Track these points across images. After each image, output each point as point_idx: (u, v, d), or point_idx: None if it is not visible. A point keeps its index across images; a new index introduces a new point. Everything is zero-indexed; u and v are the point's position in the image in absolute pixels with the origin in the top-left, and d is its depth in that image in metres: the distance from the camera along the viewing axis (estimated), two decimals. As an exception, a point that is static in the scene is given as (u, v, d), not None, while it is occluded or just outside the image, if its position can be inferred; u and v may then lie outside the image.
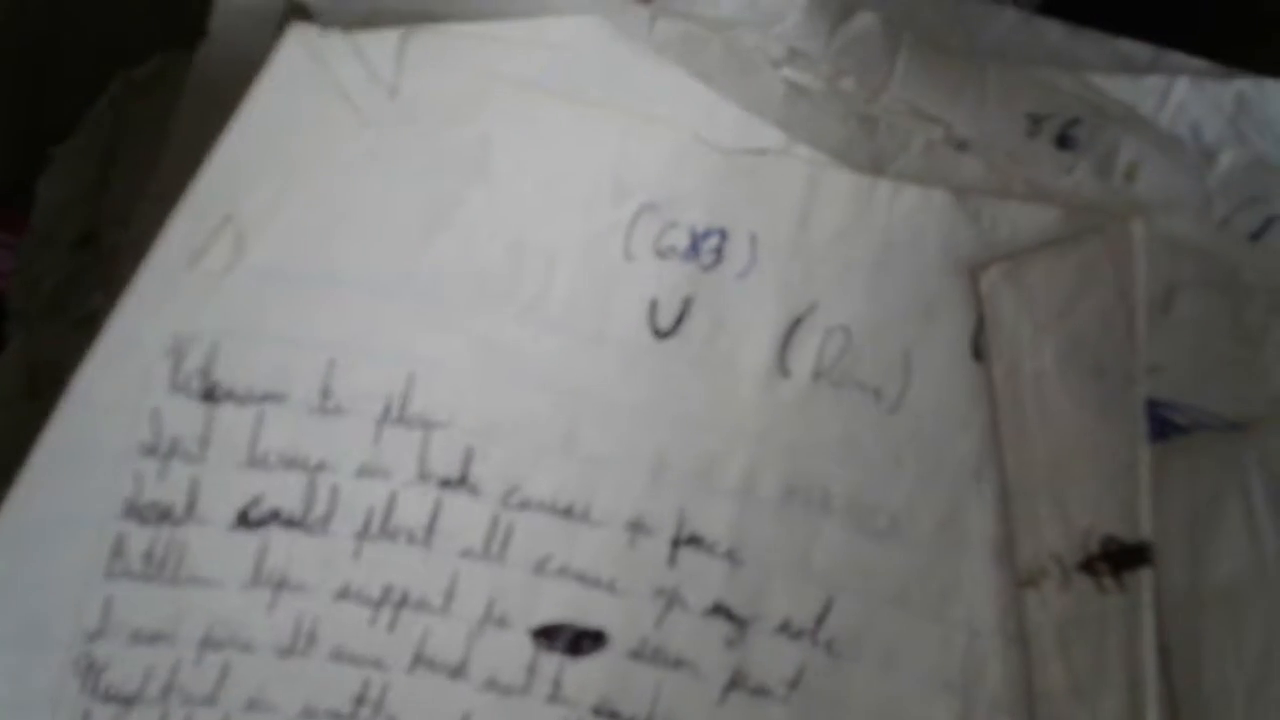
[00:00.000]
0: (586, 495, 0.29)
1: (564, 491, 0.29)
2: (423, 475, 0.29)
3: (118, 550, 0.27)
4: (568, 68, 0.28)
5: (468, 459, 0.29)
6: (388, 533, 0.29)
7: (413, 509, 0.29)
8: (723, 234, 0.29)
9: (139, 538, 0.27)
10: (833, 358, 0.29)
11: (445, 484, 0.29)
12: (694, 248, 0.29)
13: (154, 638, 0.28)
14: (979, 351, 0.28)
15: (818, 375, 0.29)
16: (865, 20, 0.28)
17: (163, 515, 0.27)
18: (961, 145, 0.28)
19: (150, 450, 0.27)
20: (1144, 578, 0.26)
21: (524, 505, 0.29)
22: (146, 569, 0.28)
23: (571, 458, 0.29)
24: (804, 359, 0.29)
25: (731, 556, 0.29)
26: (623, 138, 0.29)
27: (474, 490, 0.29)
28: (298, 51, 0.26)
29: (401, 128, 0.27)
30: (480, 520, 0.29)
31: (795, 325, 0.29)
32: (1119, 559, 0.26)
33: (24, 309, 0.31)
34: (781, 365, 0.29)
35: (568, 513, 0.29)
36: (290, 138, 0.26)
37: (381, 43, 0.26)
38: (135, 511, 0.27)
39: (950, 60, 0.28)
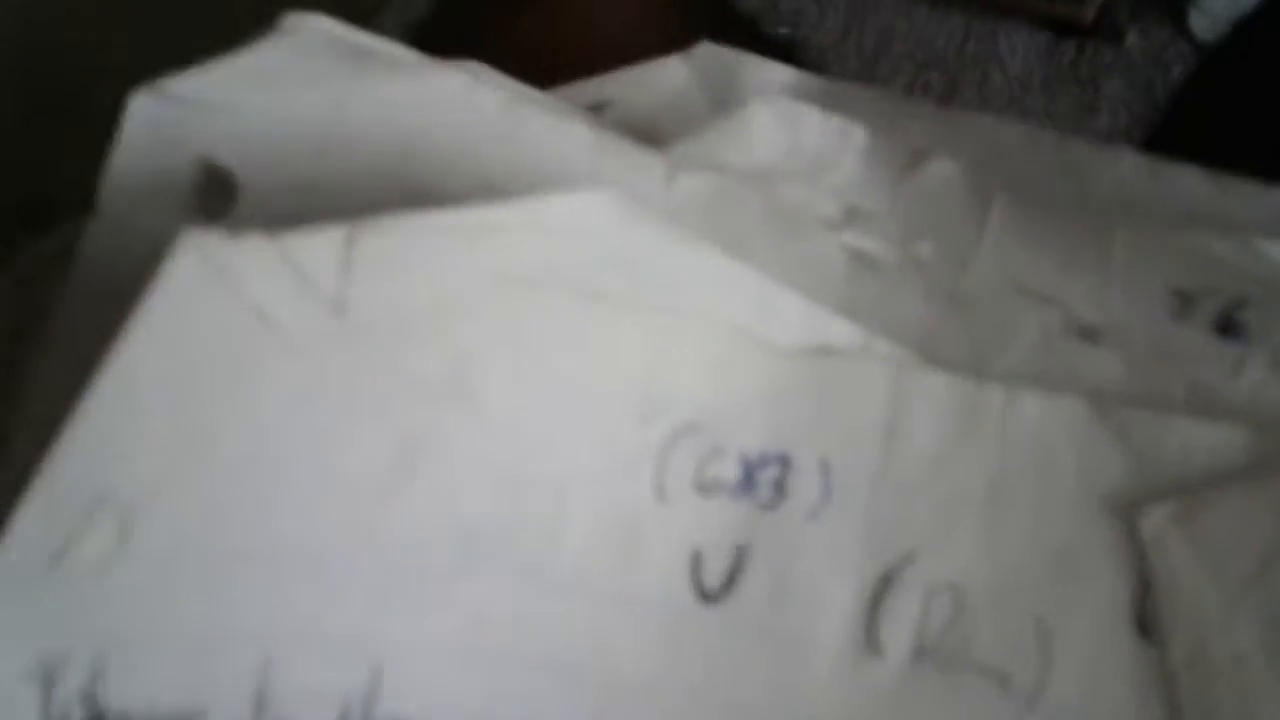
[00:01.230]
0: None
1: (582, 812, 0.22)
2: (400, 795, 0.22)
3: None
4: (572, 259, 0.22)
5: (456, 765, 0.22)
6: None
7: None
8: (784, 461, 0.22)
9: None
10: (940, 629, 0.21)
11: (429, 802, 0.22)
12: (748, 480, 0.22)
13: None
14: (1145, 625, 0.20)
15: (920, 654, 0.21)
16: (941, 168, 0.21)
17: None
18: (1088, 333, 0.20)
19: None
20: None
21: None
22: None
23: (594, 763, 0.22)
24: (900, 631, 0.21)
25: None
26: (649, 341, 0.22)
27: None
28: (193, 266, 0.20)
29: (349, 354, 0.21)
30: None
31: (887, 584, 0.22)
32: None
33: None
34: (870, 639, 0.21)
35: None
36: (188, 380, 0.21)
37: (319, 246, 0.21)
38: None
39: (1058, 218, 0.20)
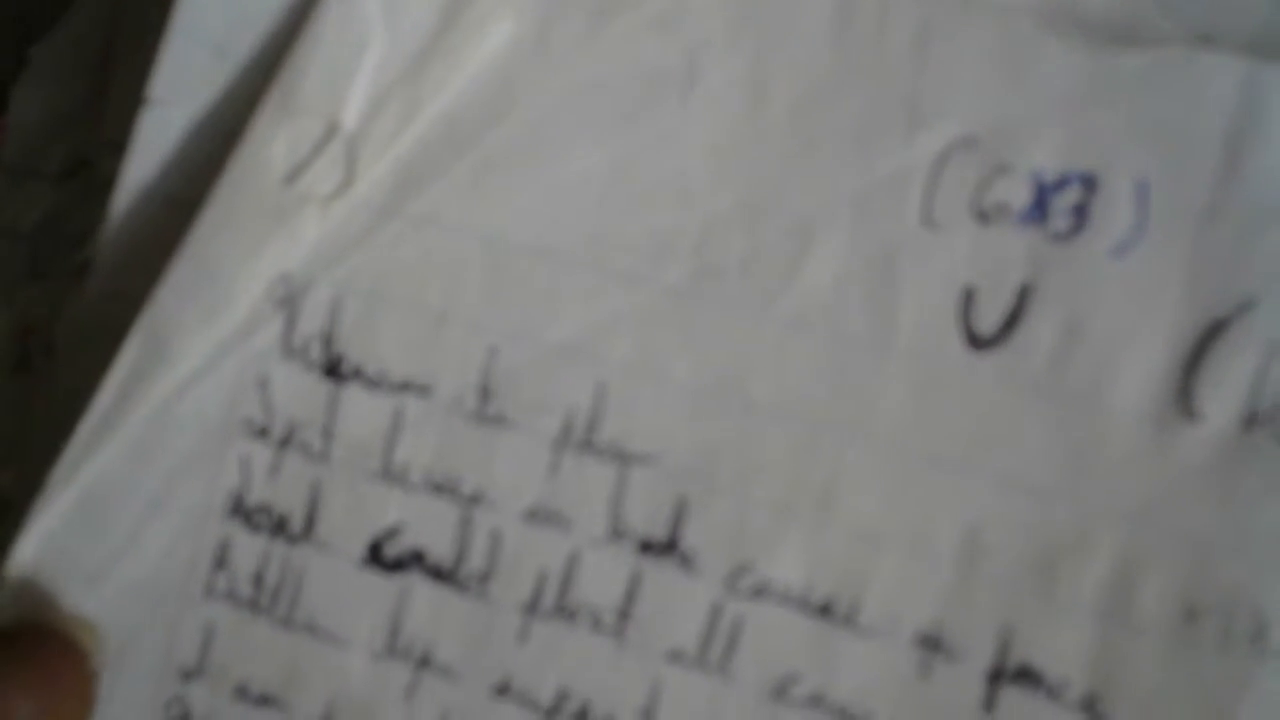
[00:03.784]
0: (854, 587, 0.19)
1: (820, 578, 0.19)
2: (616, 532, 0.20)
3: (221, 559, 0.21)
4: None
5: (680, 513, 0.20)
6: (565, 611, 0.20)
7: (602, 581, 0.20)
8: (1088, 181, 0.18)
9: (248, 550, 0.21)
10: (1280, 394, 0.17)
11: (647, 548, 0.20)
12: (1039, 205, 0.18)
13: (262, 700, 0.21)
14: None
15: (1251, 422, 0.17)
16: None
17: (277, 526, 0.21)
18: None
19: (260, 433, 0.21)
20: None
21: (759, 593, 0.19)
22: (256, 596, 0.21)
23: (833, 526, 0.19)
24: (1228, 393, 0.17)
25: (1089, 708, 0.18)
26: (922, 30, 0.18)
27: (687, 562, 0.20)
28: None
29: (561, 19, 0.19)
30: (696, 609, 0.19)
31: (1214, 336, 0.17)
32: None
33: (-1, 261, 0.25)
34: (1186, 402, 0.17)
35: (825, 611, 0.19)
36: (401, 24, 0.19)
37: None
38: (243, 512, 0.21)
39: None
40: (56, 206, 0.25)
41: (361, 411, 0.21)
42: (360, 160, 0.20)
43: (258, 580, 0.21)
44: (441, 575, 0.20)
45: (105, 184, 0.23)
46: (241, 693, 0.21)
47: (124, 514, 0.21)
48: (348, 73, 0.20)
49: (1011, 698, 0.18)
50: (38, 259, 0.25)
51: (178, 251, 0.21)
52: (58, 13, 0.26)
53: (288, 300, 0.21)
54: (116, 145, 0.23)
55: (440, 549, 0.20)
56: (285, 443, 0.21)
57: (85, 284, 0.22)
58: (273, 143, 0.20)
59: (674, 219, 0.19)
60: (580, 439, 0.20)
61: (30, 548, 0.21)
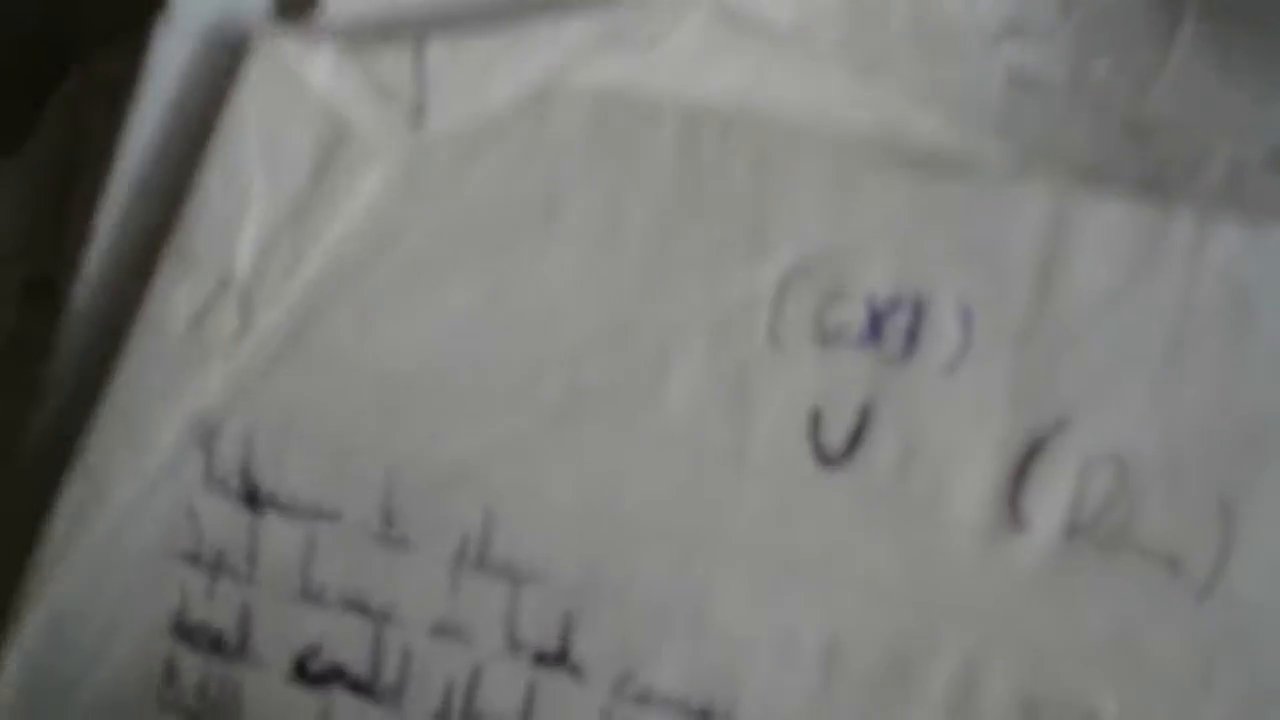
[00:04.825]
0: (730, 691, 0.20)
1: (698, 683, 0.20)
2: (513, 644, 0.21)
3: (169, 675, 0.23)
4: (670, 72, 0.19)
5: (568, 626, 0.21)
6: (472, 718, 0.21)
7: (502, 690, 0.21)
8: (917, 306, 0.19)
9: (191, 666, 0.23)
10: (1098, 505, 0.18)
11: (541, 659, 0.21)
12: (874, 328, 0.19)
13: None
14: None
15: (1073, 532, 0.18)
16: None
17: (214, 644, 0.22)
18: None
19: (193, 558, 0.22)
20: None
21: (643, 699, 0.21)
22: (201, 709, 0.23)
23: (707, 635, 0.20)
24: (1051, 505, 0.18)
25: (948, 797, 0.19)
26: (760, 161, 0.19)
27: (577, 672, 0.21)
28: (273, 70, 0.20)
29: (427, 162, 0.20)
30: (588, 715, 0.21)
31: (1036, 451, 0.18)
32: None
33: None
34: (1014, 513, 0.18)
35: (704, 715, 0.20)
36: (281, 179, 0.21)
37: (394, 55, 0.20)
38: (185, 632, 0.22)
39: (1258, 39, 0.16)
40: (19, 323, 0.27)
41: (279, 536, 0.22)
42: (254, 305, 0.22)
43: (202, 693, 0.23)
44: (360, 688, 0.22)
45: (66, 302, 0.25)
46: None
47: (87, 632, 0.23)
48: (234, 226, 0.21)
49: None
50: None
51: (101, 397, 0.22)
52: (19, 139, 0.28)
53: (205, 437, 0.22)
54: (78, 262, 0.24)
55: (358, 664, 0.22)
56: (216, 567, 0.22)
57: (35, 409, 0.24)
58: (173, 296, 0.22)
59: (545, 344, 0.21)
60: (475, 558, 0.21)
61: (14, 664, 0.23)
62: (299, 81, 0.21)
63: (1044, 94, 0.18)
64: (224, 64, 0.22)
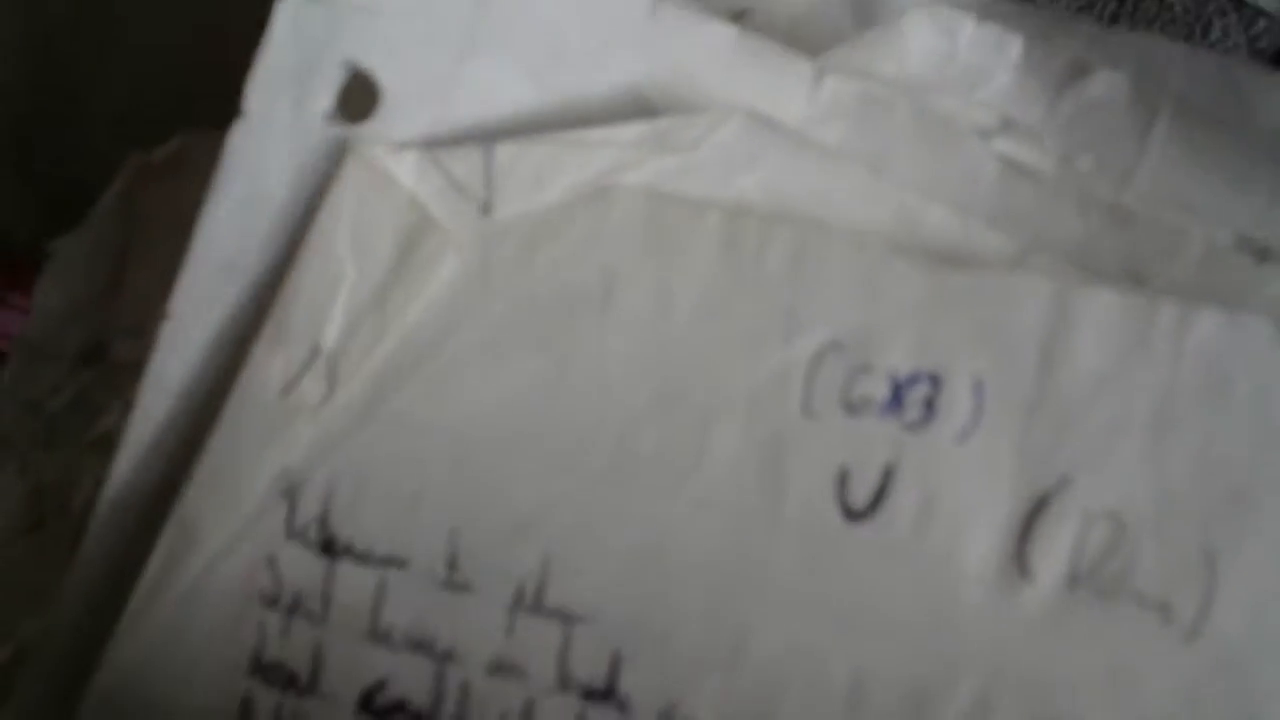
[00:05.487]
0: (763, 722, 0.22)
1: (734, 716, 0.22)
2: (564, 682, 0.23)
3: (245, 710, 0.25)
4: (708, 167, 0.22)
5: (615, 664, 0.23)
6: (526, 750, 0.24)
7: (554, 722, 0.23)
8: (935, 380, 0.21)
9: (266, 702, 0.25)
10: (1097, 557, 0.20)
11: (589, 695, 0.23)
12: (896, 399, 0.21)
13: None
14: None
15: (1074, 581, 0.20)
16: (1107, 79, 0.19)
17: (288, 681, 0.24)
18: (1261, 253, 0.18)
19: (271, 602, 0.24)
20: None
21: (684, 731, 0.23)
22: None
23: (740, 671, 0.22)
24: (1054, 557, 0.20)
25: (963, 823, 0.21)
26: (794, 254, 0.22)
27: (623, 707, 0.23)
28: (365, 169, 0.23)
29: (495, 251, 0.23)
30: (633, 746, 0.23)
31: (1040, 508, 0.21)
32: None
33: (15, 432, 0.28)
34: (1021, 564, 0.21)
35: (740, 744, 0.22)
36: (369, 268, 0.24)
37: (464, 156, 0.22)
38: (261, 670, 0.24)
39: (1227, 137, 0.18)
40: (73, 384, 0.29)
41: (352, 582, 0.24)
42: (340, 374, 0.24)
43: None
44: None
45: (119, 366, 0.27)
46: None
47: (172, 668, 0.25)
48: (326, 304, 0.24)
49: (899, 818, 0.21)
50: (54, 431, 0.29)
51: (200, 456, 0.25)
52: (80, 214, 0.30)
53: (289, 492, 0.24)
54: (130, 331, 0.27)
55: (420, 698, 0.24)
56: (292, 610, 0.25)
57: (113, 463, 0.26)
58: (269, 365, 0.24)
59: (599, 413, 0.23)
60: (531, 602, 0.23)
61: (96, 698, 0.25)
62: (388, 179, 0.23)
63: (1035, 184, 0.20)
64: (301, 161, 0.24)
